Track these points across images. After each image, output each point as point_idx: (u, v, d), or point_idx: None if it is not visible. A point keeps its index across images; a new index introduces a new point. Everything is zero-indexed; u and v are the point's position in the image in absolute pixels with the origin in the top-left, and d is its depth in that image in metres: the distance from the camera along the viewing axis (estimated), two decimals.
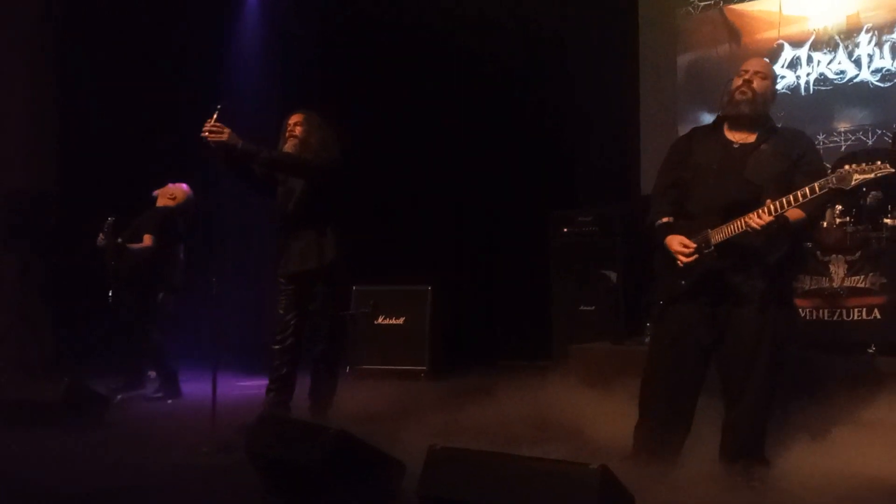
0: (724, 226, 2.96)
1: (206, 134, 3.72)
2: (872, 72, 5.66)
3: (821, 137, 5.81)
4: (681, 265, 3.01)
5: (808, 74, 5.93)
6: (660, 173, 3.28)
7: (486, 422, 3.96)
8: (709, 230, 2.99)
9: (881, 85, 5.64)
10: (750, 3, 6.25)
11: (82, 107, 6.48)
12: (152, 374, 5.34)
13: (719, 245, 2.97)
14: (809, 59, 5.94)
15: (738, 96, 3.09)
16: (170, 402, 5.10)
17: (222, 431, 3.66)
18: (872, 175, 2.76)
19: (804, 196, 2.84)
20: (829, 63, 5.85)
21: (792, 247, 3.06)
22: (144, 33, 6.50)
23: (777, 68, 6.04)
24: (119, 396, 4.96)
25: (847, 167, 2.80)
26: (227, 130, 3.75)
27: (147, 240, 5.14)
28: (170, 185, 5.45)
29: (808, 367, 3.83)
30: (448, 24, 6.58)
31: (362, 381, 5.48)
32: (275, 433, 3.03)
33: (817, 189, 2.83)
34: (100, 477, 3.38)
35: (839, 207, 4.16)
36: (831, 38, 5.84)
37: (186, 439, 3.85)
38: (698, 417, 3.16)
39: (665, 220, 3.13)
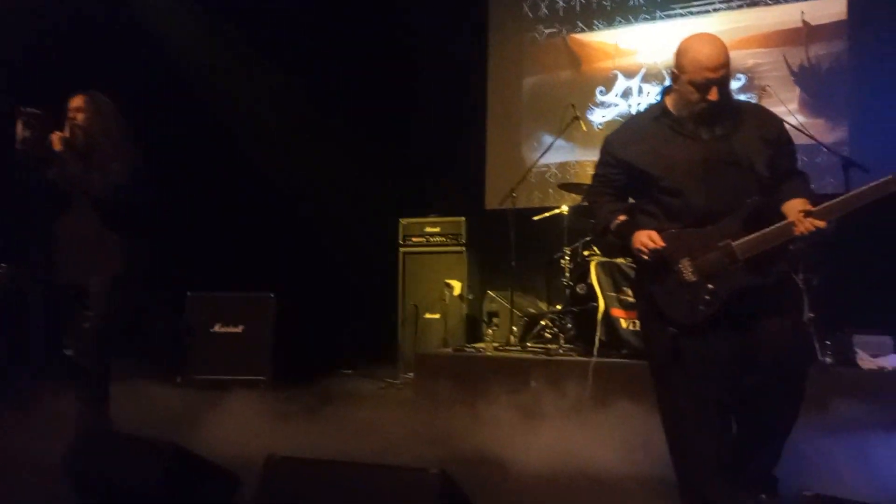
0: (758, 235, 2.46)
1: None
2: None
3: None
4: (646, 258, 2.52)
5: (638, 104, 6.40)
6: (599, 180, 2.78)
7: (328, 431, 3.90)
8: (731, 242, 2.48)
9: None
10: (590, 33, 6.67)
11: None
12: None
13: (750, 259, 2.47)
14: (640, 90, 6.42)
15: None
16: None
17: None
18: None
19: (863, 195, 2.36)
20: (658, 94, 6.33)
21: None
22: None
23: (611, 97, 6.49)
24: None
25: None
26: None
27: None
28: None
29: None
30: (299, 29, 6.50)
31: (196, 391, 5.22)
32: (99, 451, 2.81)
33: (880, 189, 2.34)
34: None
35: None
36: (659, 71, 6.34)
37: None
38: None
39: (622, 217, 2.65)
